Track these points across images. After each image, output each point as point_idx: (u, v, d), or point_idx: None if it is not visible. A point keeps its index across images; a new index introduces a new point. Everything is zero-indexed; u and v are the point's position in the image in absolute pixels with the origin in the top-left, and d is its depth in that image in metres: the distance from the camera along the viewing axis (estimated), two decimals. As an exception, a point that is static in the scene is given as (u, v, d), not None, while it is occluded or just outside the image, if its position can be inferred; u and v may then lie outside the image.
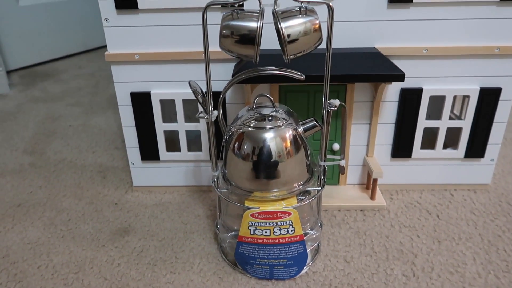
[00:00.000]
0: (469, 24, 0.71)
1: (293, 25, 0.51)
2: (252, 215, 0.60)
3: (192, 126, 0.80)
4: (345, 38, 0.73)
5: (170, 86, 0.77)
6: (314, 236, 0.65)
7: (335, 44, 0.72)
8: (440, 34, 0.72)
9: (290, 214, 0.59)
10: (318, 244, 0.69)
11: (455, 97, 0.78)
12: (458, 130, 0.79)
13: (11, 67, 1.71)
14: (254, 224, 0.60)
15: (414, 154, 0.81)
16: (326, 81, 0.58)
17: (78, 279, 0.65)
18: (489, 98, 0.76)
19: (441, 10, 0.70)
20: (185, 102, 0.78)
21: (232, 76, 0.64)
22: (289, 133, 0.59)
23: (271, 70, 0.58)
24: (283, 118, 0.61)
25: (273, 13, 0.52)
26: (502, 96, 0.76)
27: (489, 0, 0.69)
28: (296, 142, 0.60)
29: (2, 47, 1.64)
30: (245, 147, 0.59)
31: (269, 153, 0.58)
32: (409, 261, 0.67)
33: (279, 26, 0.51)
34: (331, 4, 0.52)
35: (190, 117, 0.80)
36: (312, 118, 0.62)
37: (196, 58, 0.74)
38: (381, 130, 0.80)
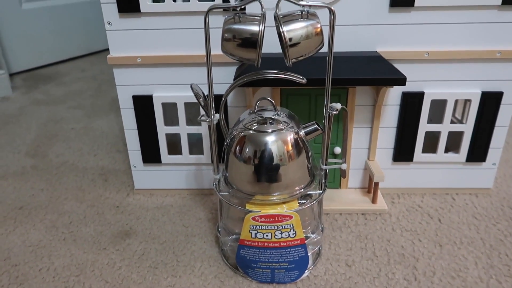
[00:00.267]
0: (471, 28, 0.71)
1: (295, 29, 0.52)
2: (253, 219, 0.60)
3: (193, 129, 0.80)
4: (346, 42, 0.73)
5: (172, 89, 0.77)
6: (316, 239, 0.65)
7: (336, 48, 0.72)
8: (442, 38, 0.72)
9: (291, 217, 0.59)
10: (319, 248, 0.68)
11: (456, 101, 0.78)
12: (460, 134, 0.79)
13: (13, 70, 1.72)
14: (255, 227, 0.60)
15: (415, 158, 0.81)
16: (327, 85, 0.58)
17: (79, 282, 0.65)
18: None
19: (443, 14, 0.70)
20: (187, 105, 0.79)
21: (234, 79, 0.65)
22: (290, 137, 0.59)
23: (272, 74, 0.58)
24: (285, 122, 0.61)
25: (274, 16, 0.52)
26: (503, 100, 0.76)
27: (490, 4, 0.69)
28: (298, 145, 0.60)
29: (5, 50, 1.65)
30: (247, 150, 0.59)
31: (271, 156, 0.58)
32: (410, 265, 0.67)
33: (281, 29, 0.51)
34: (332, 8, 0.52)
35: (192, 120, 0.80)
36: (314, 122, 0.62)
37: (198, 62, 0.74)
38: (383, 134, 0.80)
